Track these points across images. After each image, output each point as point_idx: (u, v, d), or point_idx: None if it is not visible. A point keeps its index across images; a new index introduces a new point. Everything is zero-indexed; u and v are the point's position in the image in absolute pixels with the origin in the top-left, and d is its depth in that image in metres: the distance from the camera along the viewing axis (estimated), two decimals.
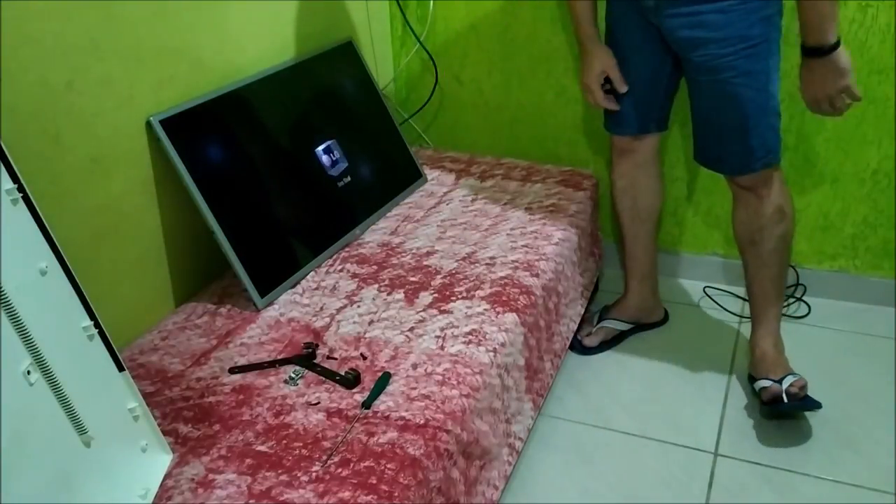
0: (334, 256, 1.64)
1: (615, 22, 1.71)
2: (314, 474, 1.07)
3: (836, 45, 1.40)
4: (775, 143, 1.59)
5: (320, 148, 1.72)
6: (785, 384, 1.64)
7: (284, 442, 1.13)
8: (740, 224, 1.69)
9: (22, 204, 0.92)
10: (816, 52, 1.41)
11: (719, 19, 1.45)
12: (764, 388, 1.67)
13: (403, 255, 1.63)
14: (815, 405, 1.63)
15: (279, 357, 1.32)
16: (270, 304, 1.48)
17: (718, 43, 1.47)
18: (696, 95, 1.62)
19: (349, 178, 1.76)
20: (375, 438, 1.13)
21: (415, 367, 1.29)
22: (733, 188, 1.68)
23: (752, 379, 1.74)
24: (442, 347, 1.33)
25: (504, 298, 1.47)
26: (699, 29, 1.49)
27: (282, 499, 1.04)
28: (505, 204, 1.85)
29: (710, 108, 1.59)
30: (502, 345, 1.37)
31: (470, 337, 1.35)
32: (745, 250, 1.71)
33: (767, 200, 1.63)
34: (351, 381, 1.25)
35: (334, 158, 1.74)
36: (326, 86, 1.84)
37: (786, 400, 1.62)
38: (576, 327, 1.83)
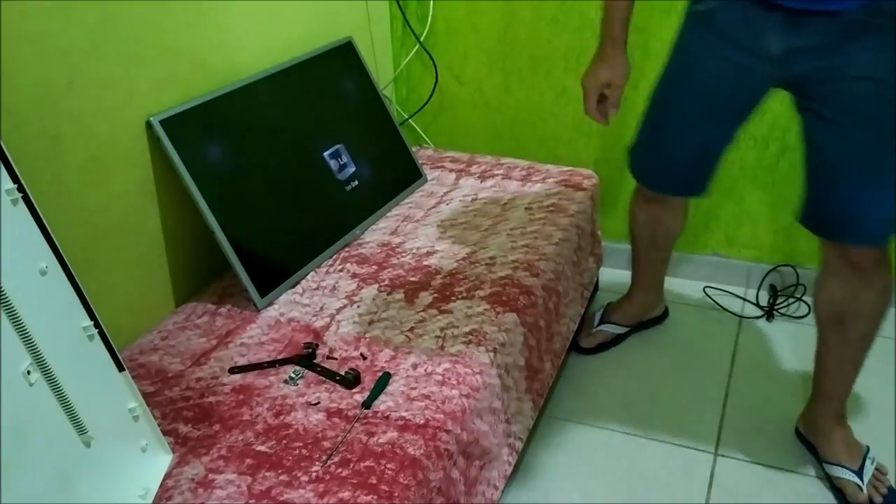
0: (334, 256, 1.64)
1: (693, 56, 1.41)
2: (314, 474, 1.07)
3: None
4: None
5: (325, 150, 1.72)
6: (866, 477, 1.50)
7: (284, 442, 1.13)
8: (830, 301, 1.44)
9: (22, 204, 0.92)
10: None
11: (877, 58, 1.20)
12: (844, 480, 1.51)
13: (403, 255, 1.63)
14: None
15: (279, 357, 1.32)
16: (270, 304, 1.48)
17: (878, 82, 1.22)
18: (833, 140, 1.30)
19: (356, 182, 1.76)
20: (375, 438, 1.13)
21: (415, 367, 1.29)
22: (831, 258, 1.40)
23: (815, 453, 1.60)
24: (442, 347, 1.33)
25: (504, 298, 1.47)
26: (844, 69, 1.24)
27: (282, 499, 1.04)
28: (505, 204, 1.85)
29: (854, 157, 1.28)
30: (502, 345, 1.37)
31: (470, 337, 1.35)
32: (828, 327, 1.47)
33: (877, 283, 1.37)
34: (351, 381, 1.25)
35: (342, 162, 1.74)
36: (326, 86, 1.84)
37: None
38: (576, 327, 1.83)
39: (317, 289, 1.53)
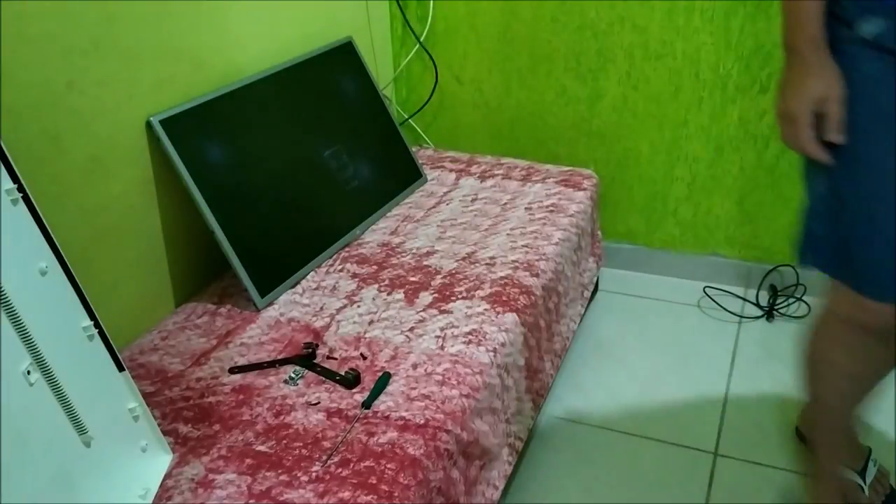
0: (334, 256, 1.64)
1: (879, 86, 1.09)
2: (314, 474, 1.07)
3: None
4: None
5: (325, 150, 1.72)
6: (868, 478, 1.44)
7: (284, 442, 1.13)
8: (884, 364, 1.29)
9: (22, 204, 0.92)
10: None
11: None
12: (845, 481, 1.45)
13: (403, 255, 1.63)
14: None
15: (279, 357, 1.32)
16: (270, 304, 1.48)
17: None
18: None
19: (356, 182, 1.76)
20: (375, 438, 1.13)
21: (415, 367, 1.29)
22: None
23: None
24: (442, 347, 1.33)
25: (504, 298, 1.47)
26: None
27: (282, 499, 1.04)
28: (505, 204, 1.85)
29: None
30: (502, 345, 1.37)
31: (470, 337, 1.35)
32: (864, 389, 1.35)
33: None
34: (351, 381, 1.25)
35: (342, 162, 1.74)
36: (326, 86, 1.84)
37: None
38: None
39: (317, 289, 1.53)
